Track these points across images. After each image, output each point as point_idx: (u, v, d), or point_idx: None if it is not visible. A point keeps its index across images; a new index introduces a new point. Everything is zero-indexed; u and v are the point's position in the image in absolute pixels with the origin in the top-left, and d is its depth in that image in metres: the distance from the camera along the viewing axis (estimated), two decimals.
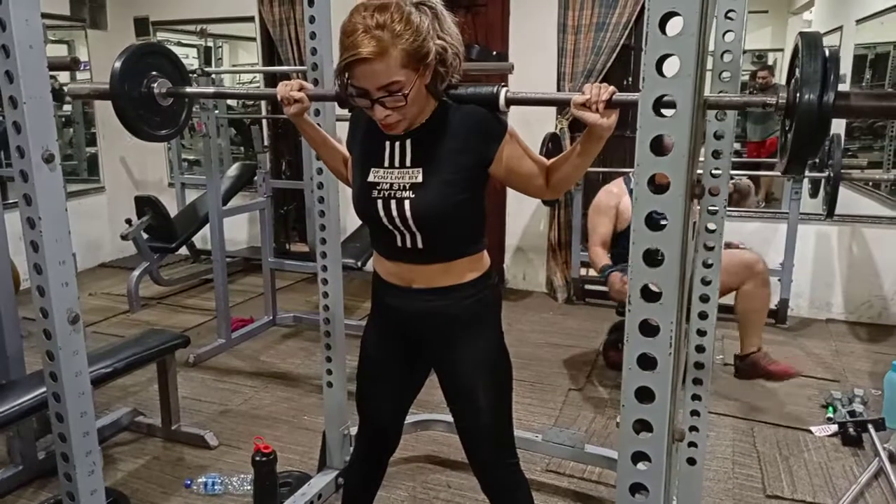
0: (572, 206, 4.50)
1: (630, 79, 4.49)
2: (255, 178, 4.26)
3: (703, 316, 1.79)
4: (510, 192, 4.65)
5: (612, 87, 1.27)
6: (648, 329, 0.92)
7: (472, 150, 1.45)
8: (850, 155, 4.71)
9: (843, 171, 3.65)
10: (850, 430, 2.75)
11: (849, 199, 4.08)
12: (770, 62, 6.17)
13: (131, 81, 1.82)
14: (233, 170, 5.09)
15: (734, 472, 2.58)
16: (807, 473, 2.56)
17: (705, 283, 1.78)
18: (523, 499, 1.70)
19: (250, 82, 6.49)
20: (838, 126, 4.23)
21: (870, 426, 2.74)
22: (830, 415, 2.93)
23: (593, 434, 2.84)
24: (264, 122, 5.28)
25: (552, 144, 4.01)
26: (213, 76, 3.87)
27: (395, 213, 1.46)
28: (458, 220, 1.50)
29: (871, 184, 4.44)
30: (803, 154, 1.10)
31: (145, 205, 4.18)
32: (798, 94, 1.04)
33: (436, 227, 1.48)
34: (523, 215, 4.80)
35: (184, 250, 4.89)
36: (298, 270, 4.61)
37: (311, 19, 2.02)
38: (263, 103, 5.48)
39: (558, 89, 4.37)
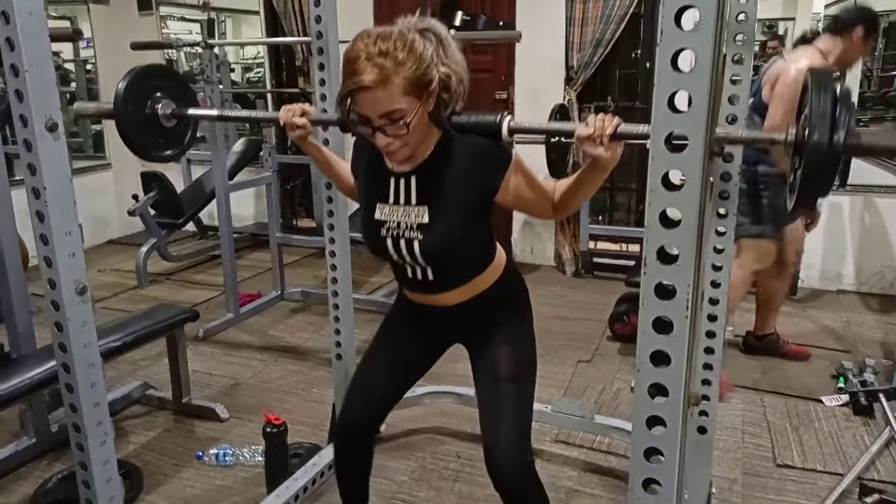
0: None
1: (639, 51, 4.42)
2: (261, 153, 4.23)
3: (715, 284, 1.78)
4: None
5: (616, 119, 1.22)
6: (664, 292, 0.90)
7: (476, 181, 1.43)
8: (863, 125, 4.64)
9: None
10: (861, 399, 2.74)
11: (861, 169, 4.02)
12: (780, 32, 6.06)
13: (135, 103, 1.81)
14: (238, 145, 5.07)
15: (744, 441, 2.58)
16: (817, 443, 2.55)
17: (718, 251, 1.76)
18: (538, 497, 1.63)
19: (255, 58, 6.44)
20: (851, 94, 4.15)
21: (881, 395, 2.72)
22: (841, 385, 2.92)
23: (602, 405, 2.84)
24: (269, 96, 5.24)
25: (560, 116, 3.96)
26: (216, 48, 3.82)
27: (404, 251, 1.48)
28: (467, 249, 1.51)
29: None
30: (813, 193, 1.09)
31: (152, 180, 4.17)
32: (808, 133, 1.03)
33: (446, 261, 1.50)
34: None
35: (191, 226, 4.89)
36: (306, 245, 4.61)
37: None
38: (268, 75, 5.46)
39: (566, 59, 4.32)
